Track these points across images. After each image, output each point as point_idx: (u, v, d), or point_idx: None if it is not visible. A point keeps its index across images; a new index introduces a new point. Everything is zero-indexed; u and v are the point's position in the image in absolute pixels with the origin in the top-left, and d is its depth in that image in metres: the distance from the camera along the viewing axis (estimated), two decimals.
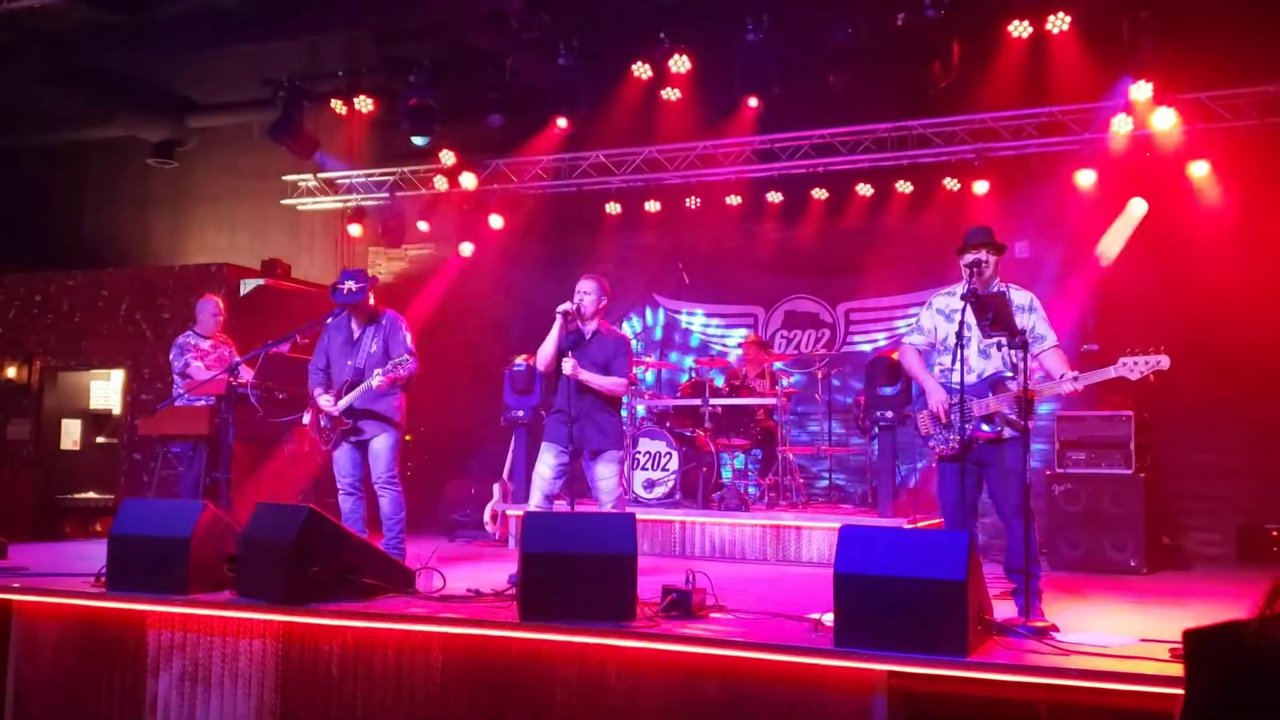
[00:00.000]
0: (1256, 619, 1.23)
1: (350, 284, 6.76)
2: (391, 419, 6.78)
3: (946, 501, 5.61)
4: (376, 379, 6.52)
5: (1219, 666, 1.20)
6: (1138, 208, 9.30)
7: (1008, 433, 5.42)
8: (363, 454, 6.83)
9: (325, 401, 6.70)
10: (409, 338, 6.82)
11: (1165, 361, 5.13)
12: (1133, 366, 5.16)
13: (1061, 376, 5.38)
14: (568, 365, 6.30)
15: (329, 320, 6.95)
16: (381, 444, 6.75)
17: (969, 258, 5.56)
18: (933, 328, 5.75)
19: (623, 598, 4.77)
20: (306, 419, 7.13)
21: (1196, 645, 1.28)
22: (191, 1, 9.97)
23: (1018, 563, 5.25)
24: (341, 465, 6.80)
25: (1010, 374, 5.44)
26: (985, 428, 5.41)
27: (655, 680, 4.47)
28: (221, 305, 8.41)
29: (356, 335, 6.85)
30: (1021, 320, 5.48)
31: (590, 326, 6.53)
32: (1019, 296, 5.63)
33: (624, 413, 7.71)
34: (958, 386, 5.30)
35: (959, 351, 5.28)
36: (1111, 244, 9.25)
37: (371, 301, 6.89)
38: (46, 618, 5.54)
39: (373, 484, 6.80)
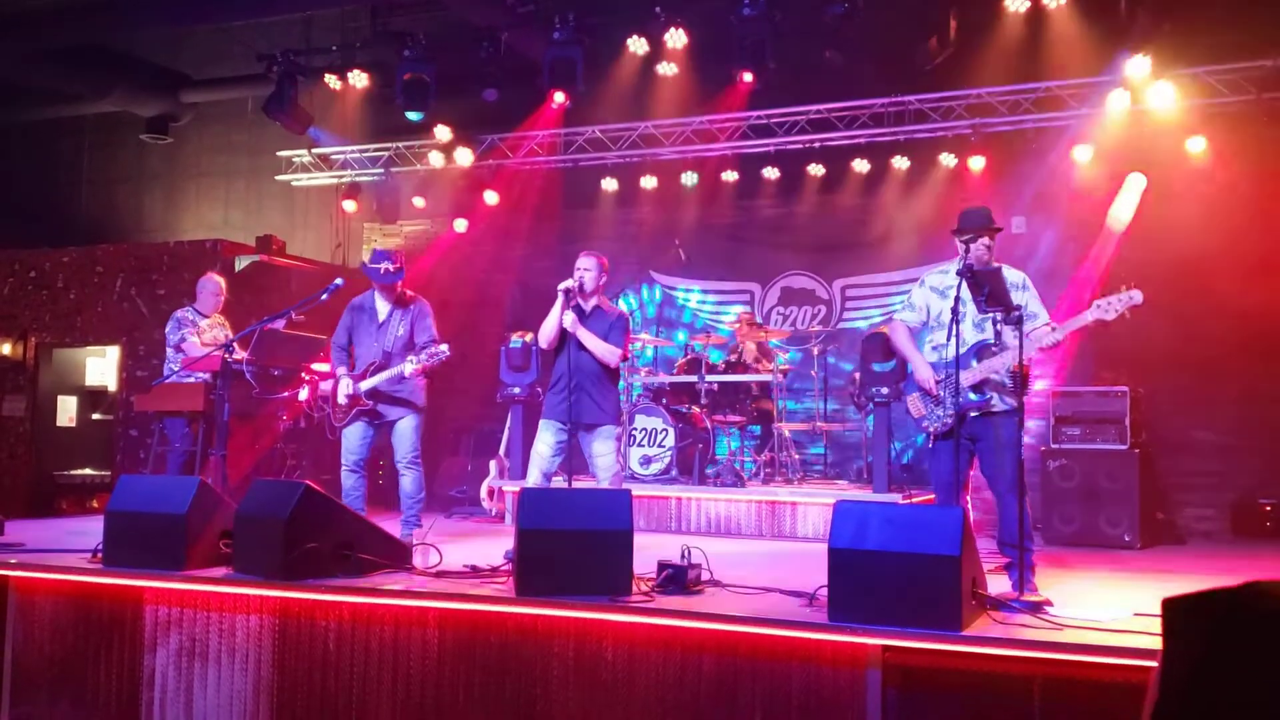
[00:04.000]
0: (1239, 585, 1.23)
1: (387, 265, 6.91)
2: (414, 402, 6.87)
3: (938, 478, 5.62)
4: (409, 366, 6.62)
5: (1201, 636, 1.19)
6: (1136, 182, 9.30)
7: (997, 403, 5.43)
8: (375, 434, 6.91)
9: (345, 384, 6.78)
10: (434, 326, 6.92)
11: (1138, 296, 5.09)
12: (1107, 307, 5.15)
13: (1033, 329, 5.34)
14: (569, 319, 6.31)
15: (356, 300, 7.05)
16: (406, 425, 6.85)
17: (979, 243, 5.53)
18: (924, 305, 5.74)
19: (619, 573, 4.78)
20: (303, 395, 7.12)
21: (1176, 614, 1.27)
22: None
23: (1011, 537, 5.28)
24: (350, 442, 6.84)
25: (993, 341, 5.45)
26: (973, 397, 5.41)
27: (651, 655, 4.49)
28: (224, 285, 8.39)
29: (383, 318, 6.93)
30: (1015, 299, 5.47)
31: (590, 303, 6.54)
32: (1012, 275, 5.62)
33: (620, 385, 7.71)
34: (951, 362, 5.31)
35: (954, 327, 5.27)
36: (1122, 212, 9.26)
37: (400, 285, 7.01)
38: (43, 594, 5.55)
39: (395, 464, 6.90)
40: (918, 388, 5.66)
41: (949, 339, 5.33)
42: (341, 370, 6.88)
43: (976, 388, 5.43)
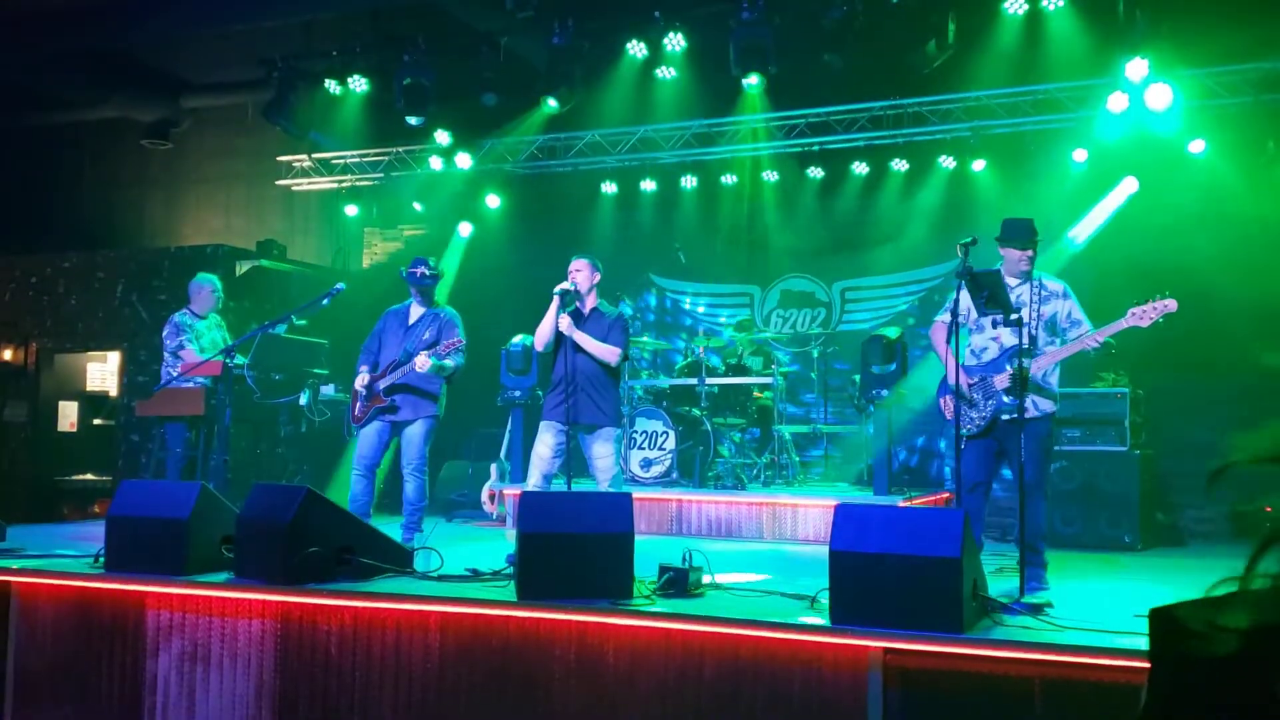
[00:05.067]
0: (1213, 598, 1.24)
1: (424, 269, 7.04)
2: (433, 397, 6.89)
3: (967, 478, 5.69)
4: (425, 360, 6.65)
5: (1184, 644, 1.20)
6: (1128, 186, 9.34)
7: (1030, 408, 5.50)
8: (390, 436, 6.92)
9: (360, 379, 6.87)
10: (462, 334, 6.96)
11: (1173, 304, 5.18)
12: (1142, 315, 5.23)
13: (1078, 337, 5.49)
14: (564, 322, 6.33)
15: (394, 306, 7.14)
16: (417, 429, 6.86)
17: (1024, 256, 5.63)
18: (967, 307, 5.79)
19: (620, 577, 4.78)
20: (303, 400, 7.13)
21: (1162, 624, 1.28)
22: None
23: (1027, 536, 5.37)
24: (365, 444, 6.86)
25: (1027, 345, 5.54)
26: (1006, 399, 5.51)
27: (653, 658, 4.50)
28: (218, 284, 8.35)
29: (413, 321, 7.00)
30: (1055, 307, 5.61)
31: (587, 305, 6.56)
32: (1052, 284, 5.74)
33: (621, 387, 7.72)
34: (987, 365, 5.50)
35: (954, 328, 5.33)
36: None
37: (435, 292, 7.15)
38: (46, 598, 5.55)
39: (401, 467, 6.89)
40: (950, 389, 5.72)
41: (949, 339, 5.40)
42: (362, 369, 6.95)
43: (1010, 391, 5.50)
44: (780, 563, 6.82)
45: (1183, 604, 1.25)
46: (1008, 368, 5.52)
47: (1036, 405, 5.53)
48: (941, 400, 5.80)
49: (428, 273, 7.00)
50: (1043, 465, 5.60)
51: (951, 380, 5.62)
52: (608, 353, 6.45)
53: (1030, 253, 5.67)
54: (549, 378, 6.67)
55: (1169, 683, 1.27)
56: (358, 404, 6.90)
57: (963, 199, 10.23)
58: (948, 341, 5.45)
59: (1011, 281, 5.73)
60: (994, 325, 5.50)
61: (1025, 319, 5.56)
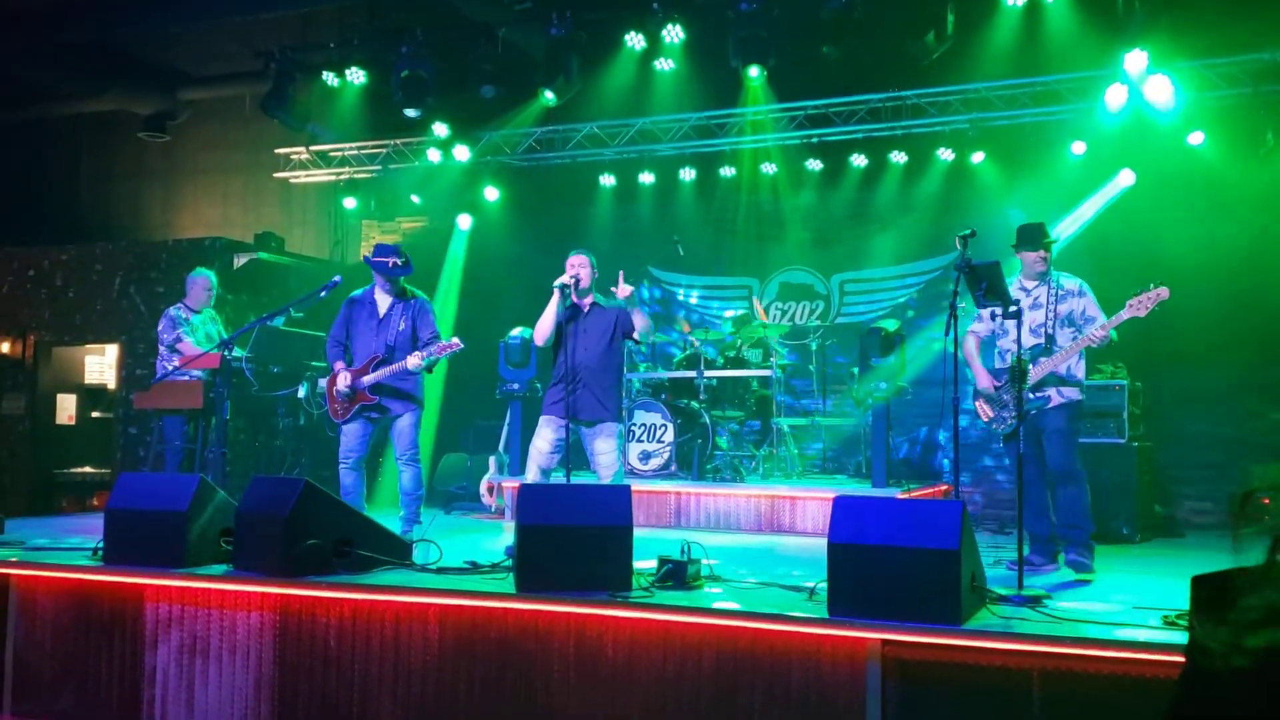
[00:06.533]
0: (1263, 565, 1.24)
1: (395, 259, 6.94)
2: (415, 396, 6.88)
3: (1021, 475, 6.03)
4: (416, 360, 6.61)
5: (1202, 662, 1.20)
6: (1122, 180, 9.34)
7: (1056, 398, 5.85)
8: (375, 430, 6.93)
9: (345, 377, 6.79)
10: (435, 320, 6.96)
11: (1165, 292, 5.49)
12: (1139, 304, 5.54)
13: (1089, 334, 5.80)
14: (624, 291, 6.33)
15: (355, 295, 7.06)
16: (405, 422, 6.86)
17: (1036, 256, 5.99)
18: (989, 314, 6.04)
19: (619, 569, 4.79)
20: (302, 392, 7.11)
21: (1204, 592, 1.28)
22: None
23: (1067, 519, 5.81)
24: (350, 440, 6.84)
25: (1045, 344, 5.87)
26: (1033, 396, 5.81)
27: (651, 650, 4.50)
28: (213, 280, 8.39)
29: (384, 312, 6.92)
30: (1071, 305, 5.91)
31: (586, 300, 6.54)
32: (1069, 282, 6.01)
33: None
34: (1003, 367, 5.84)
35: (952, 323, 5.37)
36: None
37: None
38: (45, 592, 5.56)
39: (396, 460, 6.91)
40: (982, 394, 6.08)
41: (947, 334, 5.46)
42: (339, 365, 6.88)
43: (1036, 387, 5.82)
44: (779, 555, 6.83)
45: (1229, 572, 1.25)
46: (1031, 367, 5.79)
47: (1062, 393, 5.89)
48: (977, 403, 6.12)
49: (399, 263, 6.91)
50: (1072, 448, 5.92)
51: (981, 387, 6.09)
52: (644, 323, 6.52)
53: (1044, 254, 5.98)
54: (548, 371, 6.65)
55: (1188, 695, 1.27)
56: (337, 400, 6.85)
57: (962, 191, 10.23)
58: (947, 334, 5.48)
59: (1029, 284, 6.05)
60: (1016, 328, 5.67)
61: (1043, 319, 5.89)
